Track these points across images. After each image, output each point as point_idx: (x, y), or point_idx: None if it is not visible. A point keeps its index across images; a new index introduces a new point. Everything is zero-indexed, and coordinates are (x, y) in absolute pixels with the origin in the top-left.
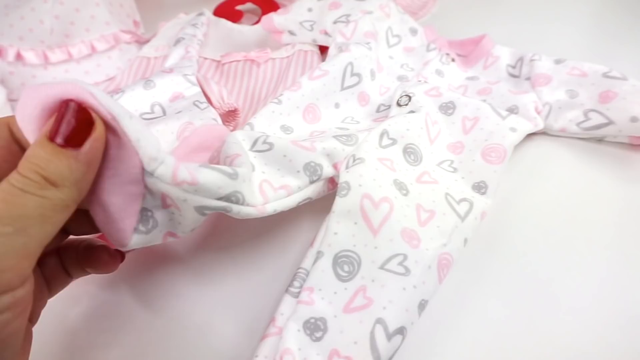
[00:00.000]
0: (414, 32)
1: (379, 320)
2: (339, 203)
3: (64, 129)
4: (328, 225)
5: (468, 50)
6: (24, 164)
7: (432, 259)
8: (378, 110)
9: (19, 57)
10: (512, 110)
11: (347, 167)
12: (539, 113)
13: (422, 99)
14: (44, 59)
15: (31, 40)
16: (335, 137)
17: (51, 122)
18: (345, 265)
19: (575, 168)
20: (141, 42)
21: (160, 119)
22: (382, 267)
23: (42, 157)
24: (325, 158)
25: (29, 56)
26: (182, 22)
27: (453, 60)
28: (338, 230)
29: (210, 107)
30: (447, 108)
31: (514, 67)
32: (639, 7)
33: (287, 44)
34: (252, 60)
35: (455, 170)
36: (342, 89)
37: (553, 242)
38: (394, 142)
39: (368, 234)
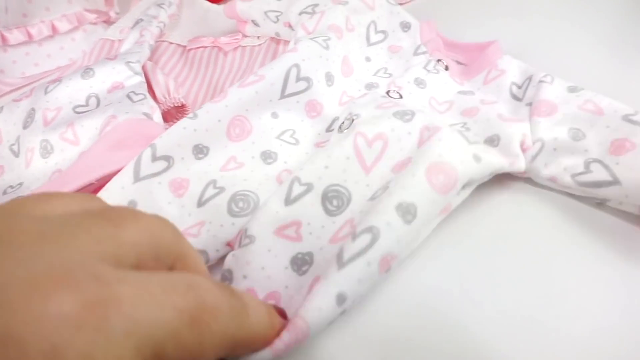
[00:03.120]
0: (405, 27)
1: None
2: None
3: None
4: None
5: (471, 58)
6: None
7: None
8: (329, 129)
9: None
10: (492, 141)
11: (238, 246)
12: (524, 150)
13: (367, 114)
14: (2, 40)
15: None
16: (230, 203)
17: None
18: None
19: (559, 238)
20: (111, 22)
21: (89, 112)
22: None
23: None
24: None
25: None
26: (153, 1)
27: (446, 68)
28: None
29: (146, 100)
30: (404, 114)
31: (519, 86)
32: None
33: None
34: (220, 48)
35: (386, 188)
36: (283, 96)
37: (516, 333)
38: (308, 188)
39: None
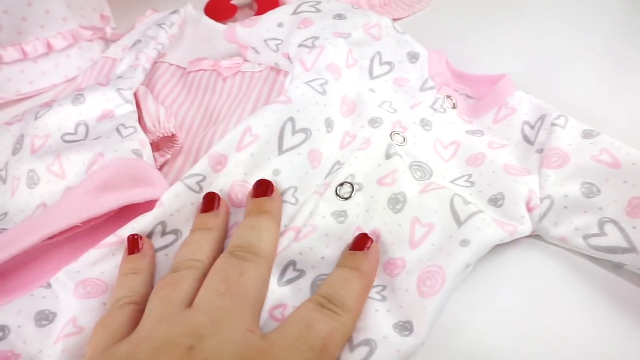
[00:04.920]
0: (413, 57)
1: None
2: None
3: None
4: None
5: (481, 91)
6: None
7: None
8: (330, 172)
9: None
10: (495, 201)
11: None
12: (531, 210)
13: (369, 192)
14: None
15: None
16: None
17: None
18: None
19: (572, 302)
20: (107, 39)
21: (76, 144)
22: None
23: None
24: None
25: None
26: (154, 20)
27: (454, 106)
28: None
29: (135, 134)
30: (396, 202)
31: (532, 126)
32: None
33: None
34: (219, 72)
35: (384, 298)
36: (281, 152)
37: None
38: (300, 274)
39: None
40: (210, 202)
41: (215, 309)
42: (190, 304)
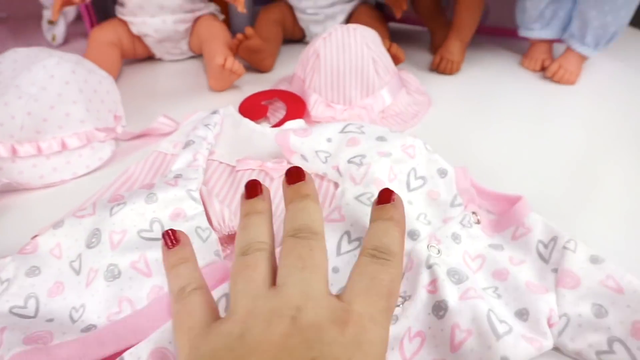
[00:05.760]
0: (442, 173)
1: None
2: None
3: None
4: None
5: (500, 208)
6: None
7: None
8: None
9: None
10: (521, 315)
11: None
12: (551, 326)
13: (416, 298)
14: (12, 152)
15: (0, 134)
16: None
17: None
18: None
19: None
20: (118, 137)
21: (159, 244)
22: None
23: None
24: None
25: None
26: (199, 119)
27: (478, 222)
28: None
29: (212, 236)
30: (439, 309)
31: (546, 246)
32: None
33: None
34: (267, 172)
35: None
36: (339, 254)
37: None
38: None
39: None
40: (254, 188)
41: (299, 282)
42: (271, 282)
